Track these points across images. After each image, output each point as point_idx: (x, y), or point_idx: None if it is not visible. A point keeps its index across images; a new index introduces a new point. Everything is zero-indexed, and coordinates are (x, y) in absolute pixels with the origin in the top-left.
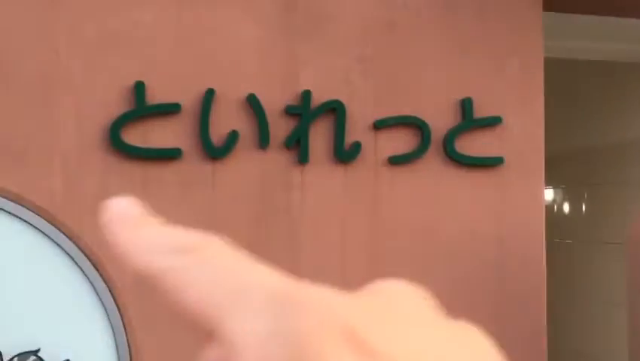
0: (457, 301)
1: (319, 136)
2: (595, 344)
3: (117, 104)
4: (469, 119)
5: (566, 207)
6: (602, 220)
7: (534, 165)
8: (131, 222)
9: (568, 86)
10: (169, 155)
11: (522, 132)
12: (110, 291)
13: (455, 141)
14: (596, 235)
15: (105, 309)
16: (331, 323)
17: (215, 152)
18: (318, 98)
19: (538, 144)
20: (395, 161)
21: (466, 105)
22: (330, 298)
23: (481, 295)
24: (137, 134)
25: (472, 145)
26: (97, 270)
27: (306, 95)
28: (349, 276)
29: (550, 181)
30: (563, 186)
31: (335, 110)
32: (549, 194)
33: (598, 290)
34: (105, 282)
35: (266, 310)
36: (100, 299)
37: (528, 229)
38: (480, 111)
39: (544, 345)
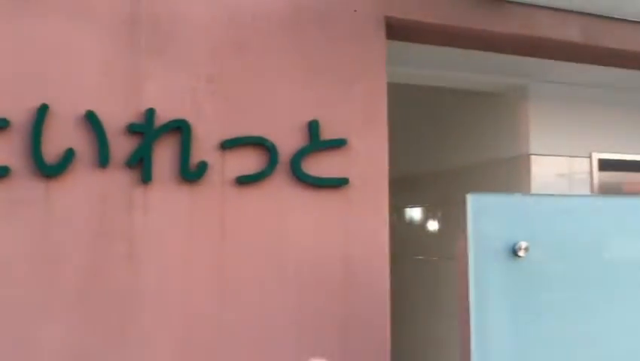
0: (305, 321)
1: (164, 155)
2: (453, 357)
3: None
4: (316, 141)
5: (428, 226)
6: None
7: (379, 185)
8: None
9: (429, 111)
10: None
11: (367, 154)
12: None
13: (302, 161)
14: (453, 251)
15: None
16: None
17: (49, 170)
18: (163, 117)
19: (382, 165)
20: (242, 181)
21: (313, 127)
22: None
23: (328, 314)
24: None
25: (319, 166)
26: None
27: (150, 113)
28: (195, 300)
29: (410, 201)
30: (427, 205)
31: (180, 129)
32: (409, 213)
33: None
34: None
35: None
36: None
37: (373, 248)
38: (327, 133)
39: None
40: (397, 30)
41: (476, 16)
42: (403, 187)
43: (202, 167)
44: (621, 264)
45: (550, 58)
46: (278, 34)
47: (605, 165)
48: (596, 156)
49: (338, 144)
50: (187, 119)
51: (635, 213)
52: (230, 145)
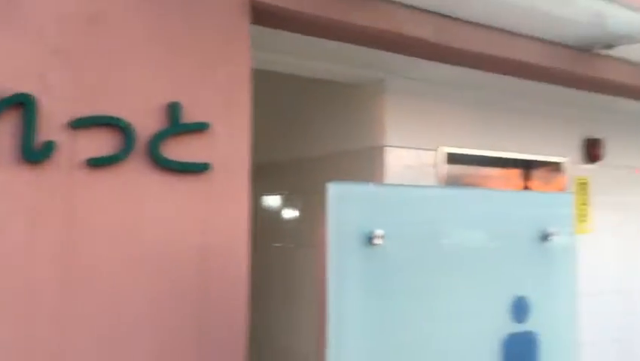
0: (160, 311)
1: (4, 133)
2: (308, 341)
3: None
4: (176, 124)
5: (286, 214)
6: (315, 226)
7: (240, 172)
8: None
9: (292, 99)
10: None
11: (229, 140)
12: None
13: (160, 145)
14: (311, 239)
15: None
16: None
17: None
18: (3, 91)
19: (244, 152)
20: (94, 163)
21: (173, 109)
22: None
23: (185, 303)
24: None
25: (179, 150)
26: None
27: None
28: (37, 292)
29: (269, 188)
30: (286, 192)
31: (24, 104)
32: (269, 201)
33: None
34: None
35: None
36: None
37: (234, 236)
38: (188, 116)
39: (243, 347)
40: (262, 15)
41: (341, 7)
42: (263, 174)
43: (49, 147)
44: (464, 249)
45: (406, 54)
46: (137, 9)
47: (452, 159)
48: (443, 150)
49: (199, 127)
50: (31, 93)
51: (475, 203)
52: (80, 124)
